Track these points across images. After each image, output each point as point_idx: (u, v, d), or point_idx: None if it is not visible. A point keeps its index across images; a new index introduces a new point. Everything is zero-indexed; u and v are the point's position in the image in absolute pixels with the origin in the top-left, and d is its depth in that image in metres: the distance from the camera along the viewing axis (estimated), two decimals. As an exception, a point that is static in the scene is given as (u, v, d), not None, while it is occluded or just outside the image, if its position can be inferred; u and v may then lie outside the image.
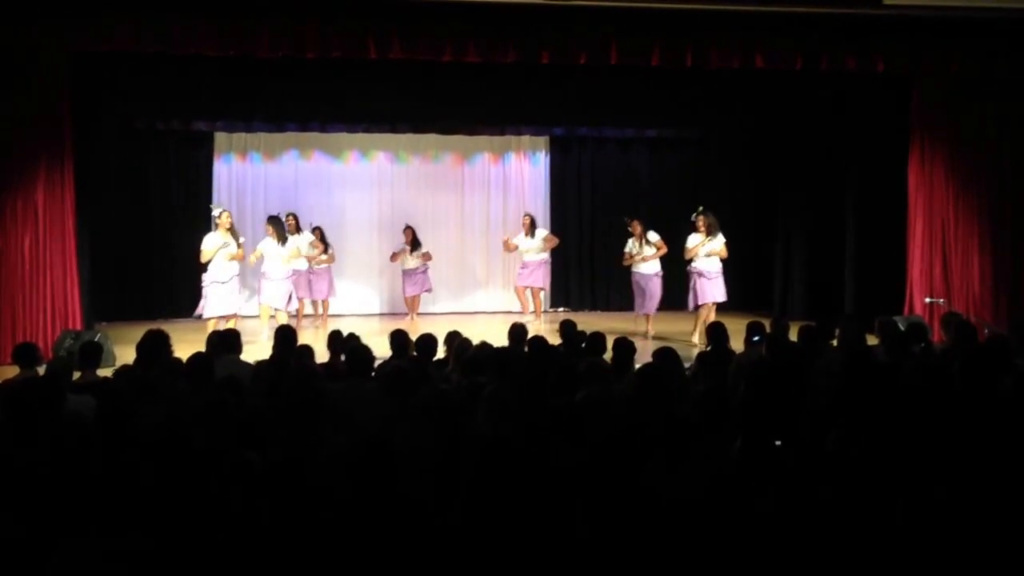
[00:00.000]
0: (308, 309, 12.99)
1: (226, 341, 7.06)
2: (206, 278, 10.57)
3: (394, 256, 13.56)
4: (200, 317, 10.67)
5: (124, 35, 9.82)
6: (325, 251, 12.82)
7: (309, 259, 12.33)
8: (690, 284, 11.42)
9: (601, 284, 15.12)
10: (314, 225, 12.98)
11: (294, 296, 11.95)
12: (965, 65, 11.24)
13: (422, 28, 10.23)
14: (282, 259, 11.56)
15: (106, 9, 9.69)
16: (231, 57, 10.35)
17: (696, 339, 11.01)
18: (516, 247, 13.15)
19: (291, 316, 11.92)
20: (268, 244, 11.62)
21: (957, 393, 5.01)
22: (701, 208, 11.51)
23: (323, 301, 12.94)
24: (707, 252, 11.29)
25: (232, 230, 10.74)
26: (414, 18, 10.16)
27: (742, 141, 14.82)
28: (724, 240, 11.42)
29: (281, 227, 11.76)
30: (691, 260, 11.37)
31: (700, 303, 11.30)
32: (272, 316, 11.45)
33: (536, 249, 13.02)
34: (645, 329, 11.83)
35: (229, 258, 10.53)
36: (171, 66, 11.09)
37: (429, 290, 13.70)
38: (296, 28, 10.05)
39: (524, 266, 13.04)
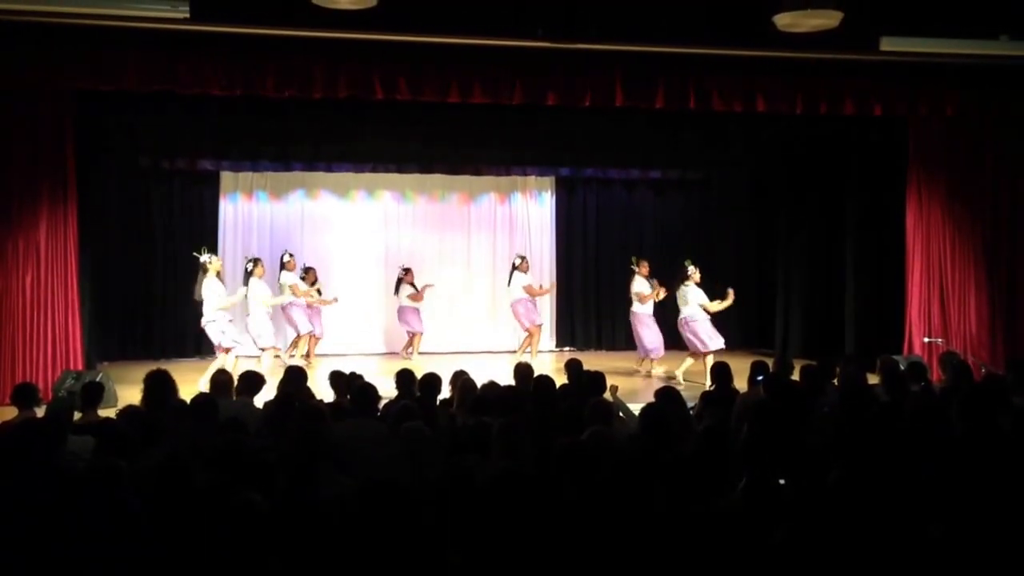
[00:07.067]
0: (305, 348, 12.84)
1: (245, 381, 6.97)
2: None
3: (421, 292, 13.49)
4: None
5: (130, 74, 9.77)
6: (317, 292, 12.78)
7: (293, 290, 12.24)
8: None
9: (607, 324, 15.12)
10: (307, 266, 13.02)
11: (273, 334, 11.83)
12: (961, 108, 11.35)
13: (428, 69, 10.28)
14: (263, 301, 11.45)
15: (111, 48, 9.66)
16: (237, 96, 10.36)
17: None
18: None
19: (276, 356, 11.69)
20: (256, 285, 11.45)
21: (955, 431, 5.03)
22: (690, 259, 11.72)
23: (310, 337, 12.75)
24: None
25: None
26: (421, 59, 10.21)
27: (744, 182, 14.99)
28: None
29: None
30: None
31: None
32: (262, 352, 11.34)
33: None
34: (649, 369, 11.97)
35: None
36: (177, 105, 11.11)
37: (420, 332, 13.63)
38: (303, 68, 10.07)
39: (524, 303, 12.96)
